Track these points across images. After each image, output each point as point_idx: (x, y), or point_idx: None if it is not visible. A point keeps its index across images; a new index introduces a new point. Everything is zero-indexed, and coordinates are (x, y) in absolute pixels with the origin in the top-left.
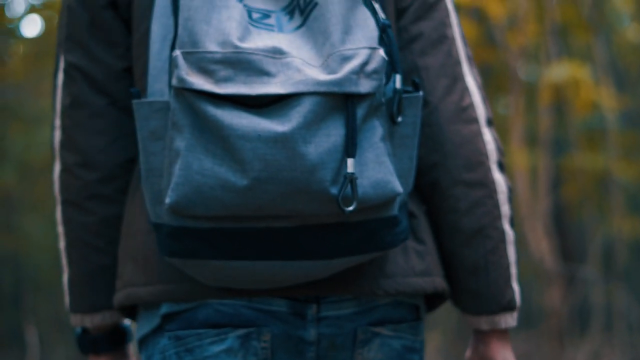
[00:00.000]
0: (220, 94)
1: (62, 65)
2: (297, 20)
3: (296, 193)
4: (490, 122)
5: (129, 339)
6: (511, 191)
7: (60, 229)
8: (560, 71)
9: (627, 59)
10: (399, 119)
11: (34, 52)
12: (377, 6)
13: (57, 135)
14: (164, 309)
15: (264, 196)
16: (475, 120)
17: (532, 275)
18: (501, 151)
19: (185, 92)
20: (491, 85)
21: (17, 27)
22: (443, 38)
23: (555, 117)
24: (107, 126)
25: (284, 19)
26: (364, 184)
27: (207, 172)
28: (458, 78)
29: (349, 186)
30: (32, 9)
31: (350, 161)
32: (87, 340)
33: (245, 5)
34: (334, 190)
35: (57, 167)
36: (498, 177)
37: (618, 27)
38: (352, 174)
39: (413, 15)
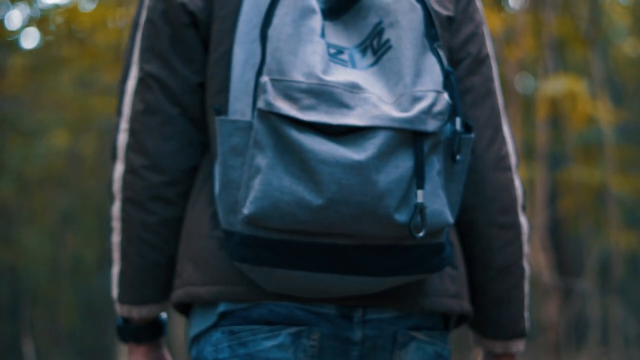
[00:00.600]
0: (304, 120)
1: (135, 73)
2: (370, 58)
3: (364, 216)
4: (517, 167)
5: (165, 332)
6: (530, 232)
7: (116, 224)
8: (557, 85)
9: (624, 73)
10: (458, 157)
11: (31, 65)
12: (442, 54)
13: (123, 137)
14: (222, 307)
15: (335, 216)
16: (510, 168)
17: (530, 289)
18: (525, 194)
19: (270, 116)
20: None
21: (17, 39)
22: (490, 92)
23: (552, 131)
24: (176, 134)
25: (357, 56)
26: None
27: (285, 189)
28: (499, 129)
29: (418, 215)
30: (30, 22)
31: (420, 192)
32: (129, 330)
33: (325, 41)
34: (396, 216)
35: (119, 167)
36: (523, 220)
37: (615, 40)
38: (422, 203)
39: (466, 69)
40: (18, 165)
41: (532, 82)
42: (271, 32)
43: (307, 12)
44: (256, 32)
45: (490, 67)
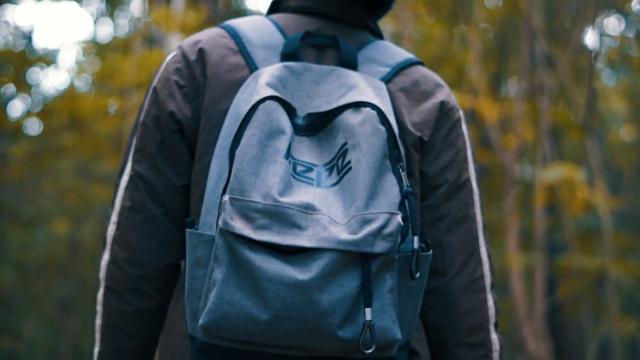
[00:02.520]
0: (256, 240)
1: (128, 170)
2: (334, 177)
3: (307, 331)
4: (493, 286)
5: None
6: (502, 348)
7: (99, 308)
8: (555, 173)
9: (621, 158)
10: (417, 274)
11: (33, 152)
12: (403, 174)
13: (112, 229)
14: None
15: (279, 330)
16: (484, 288)
17: None
18: (498, 312)
19: (227, 234)
20: (487, 186)
21: (22, 127)
22: (466, 217)
23: (550, 218)
24: (156, 232)
25: (324, 174)
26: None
27: (235, 303)
28: (474, 252)
29: (367, 331)
30: (29, 113)
31: (368, 310)
32: None
33: (292, 159)
34: (340, 333)
35: (106, 256)
36: (494, 338)
37: (612, 127)
38: (370, 321)
39: (443, 196)
40: (18, 252)
41: (530, 169)
42: (238, 151)
43: (275, 133)
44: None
45: (470, 190)
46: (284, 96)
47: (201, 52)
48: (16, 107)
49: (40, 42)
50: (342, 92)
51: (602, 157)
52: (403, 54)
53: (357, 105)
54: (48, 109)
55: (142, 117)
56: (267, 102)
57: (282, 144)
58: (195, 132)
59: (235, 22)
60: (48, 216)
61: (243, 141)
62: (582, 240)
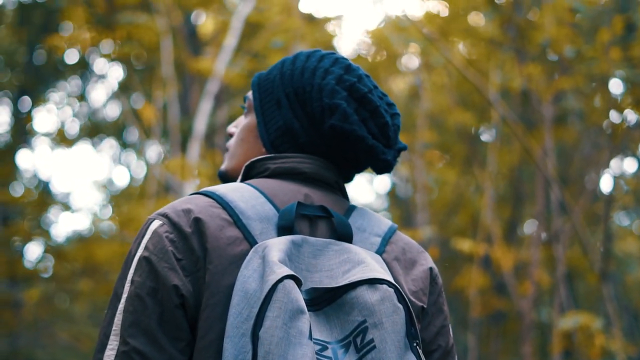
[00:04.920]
0: None
1: (115, 345)
2: (352, 355)
3: None
4: None
5: None
6: None
7: None
8: (571, 322)
9: (638, 300)
10: None
11: (47, 295)
12: (420, 352)
13: None
14: None
15: None
16: None
17: None
18: None
19: None
20: (504, 331)
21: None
22: None
23: None
24: None
25: (340, 351)
26: None
27: None
28: None
29: None
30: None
31: None
32: None
33: (312, 339)
34: None
35: None
36: None
37: (628, 268)
38: None
39: None
40: None
41: (547, 313)
42: (262, 333)
43: (297, 313)
44: (246, 327)
45: (454, 355)
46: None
47: (197, 223)
48: (32, 251)
49: (57, 186)
50: (347, 267)
51: (618, 300)
52: (384, 221)
53: (371, 281)
54: (63, 254)
55: (132, 289)
56: (285, 281)
57: (304, 324)
58: (197, 307)
59: (221, 191)
60: None
61: (267, 323)
62: None
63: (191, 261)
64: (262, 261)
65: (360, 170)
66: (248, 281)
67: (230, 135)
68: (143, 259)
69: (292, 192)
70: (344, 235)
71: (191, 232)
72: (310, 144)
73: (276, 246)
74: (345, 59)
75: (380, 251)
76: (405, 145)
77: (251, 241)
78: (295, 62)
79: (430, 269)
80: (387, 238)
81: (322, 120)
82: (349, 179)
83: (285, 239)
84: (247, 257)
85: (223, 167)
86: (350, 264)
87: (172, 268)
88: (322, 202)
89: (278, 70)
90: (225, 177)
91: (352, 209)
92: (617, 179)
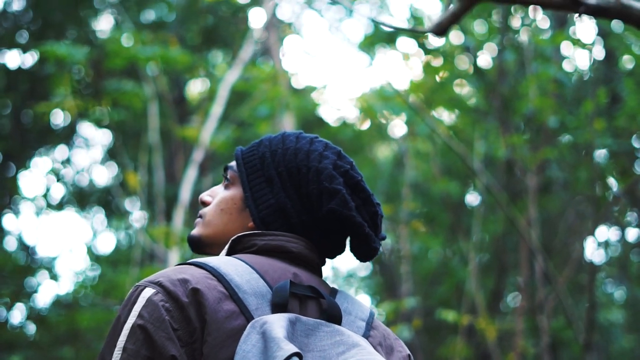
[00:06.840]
0: None
1: None
2: None
3: None
4: None
5: None
6: None
7: None
8: None
9: None
10: None
11: None
12: None
13: None
14: None
15: None
16: None
17: None
18: None
19: None
20: None
21: (21, 336)
22: None
23: None
24: None
25: None
26: None
27: None
28: None
29: None
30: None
31: None
32: None
33: None
34: None
35: None
36: None
37: (612, 339)
38: None
39: None
40: None
41: None
42: None
43: None
44: None
45: None
46: None
47: (195, 294)
48: (14, 316)
49: (41, 251)
50: (341, 349)
51: None
52: (365, 306)
53: None
54: (46, 321)
55: (124, 356)
56: (293, 359)
57: None
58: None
59: (214, 263)
60: None
61: None
62: None
63: (187, 332)
64: (261, 337)
65: (335, 255)
66: (247, 356)
67: (203, 204)
68: (137, 326)
69: (281, 270)
70: (334, 316)
71: (188, 303)
72: (302, 224)
73: (277, 322)
74: (332, 144)
75: (366, 335)
76: (385, 235)
77: (247, 316)
78: (285, 141)
79: (409, 355)
80: (369, 323)
81: (319, 203)
82: (324, 262)
83: (283, 316)
84: (245, 332)
85: (196, 232)
86: (345, 346)
87: (169, 338)
88: (310, 282)
89: (266, 148)
90: (198, 243)
91: (334, 291)
92: (601, 247)
